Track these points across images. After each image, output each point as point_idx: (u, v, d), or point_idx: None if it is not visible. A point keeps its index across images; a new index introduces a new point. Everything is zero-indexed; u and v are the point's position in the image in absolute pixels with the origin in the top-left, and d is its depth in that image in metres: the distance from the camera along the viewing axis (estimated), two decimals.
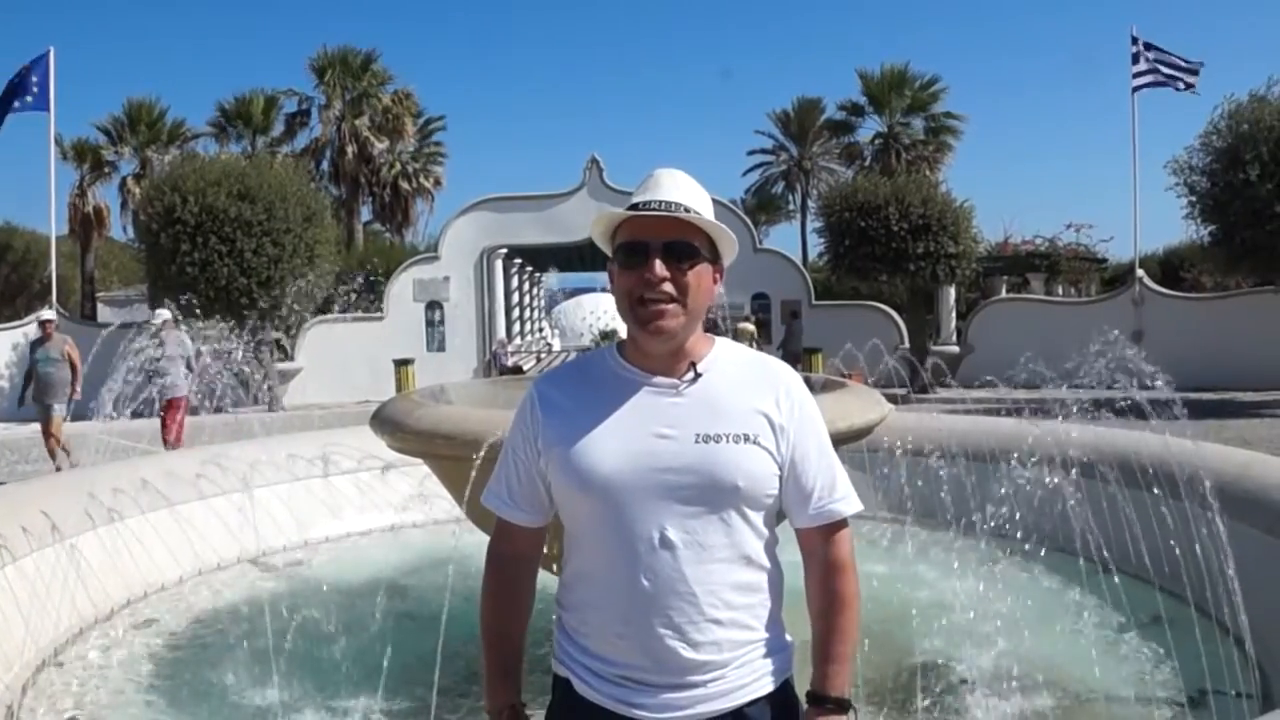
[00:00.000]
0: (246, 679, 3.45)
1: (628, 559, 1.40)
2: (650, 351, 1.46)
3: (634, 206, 1.45)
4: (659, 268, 1.41)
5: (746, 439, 1.42)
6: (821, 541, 1.51)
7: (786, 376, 1.51)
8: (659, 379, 1.46)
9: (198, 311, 14.24)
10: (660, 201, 1.43)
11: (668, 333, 1.42)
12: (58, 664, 3.71)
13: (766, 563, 1.47)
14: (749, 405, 1.45)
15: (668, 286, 1.41)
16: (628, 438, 1.42)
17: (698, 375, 1.47)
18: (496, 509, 1.56)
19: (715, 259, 1.49)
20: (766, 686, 1.45)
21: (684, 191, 1.46)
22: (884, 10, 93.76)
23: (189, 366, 9.20)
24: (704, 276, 1.45)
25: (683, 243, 1.43)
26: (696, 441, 1.41)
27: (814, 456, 1.48)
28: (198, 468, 5.22)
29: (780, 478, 1.46)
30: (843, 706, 1.48)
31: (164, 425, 9.02)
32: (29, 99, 16.73)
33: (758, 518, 1.45)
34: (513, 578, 1.58)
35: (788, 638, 1.52)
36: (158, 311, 10.45)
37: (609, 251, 1.50)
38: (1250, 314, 16.49)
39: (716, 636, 1.40)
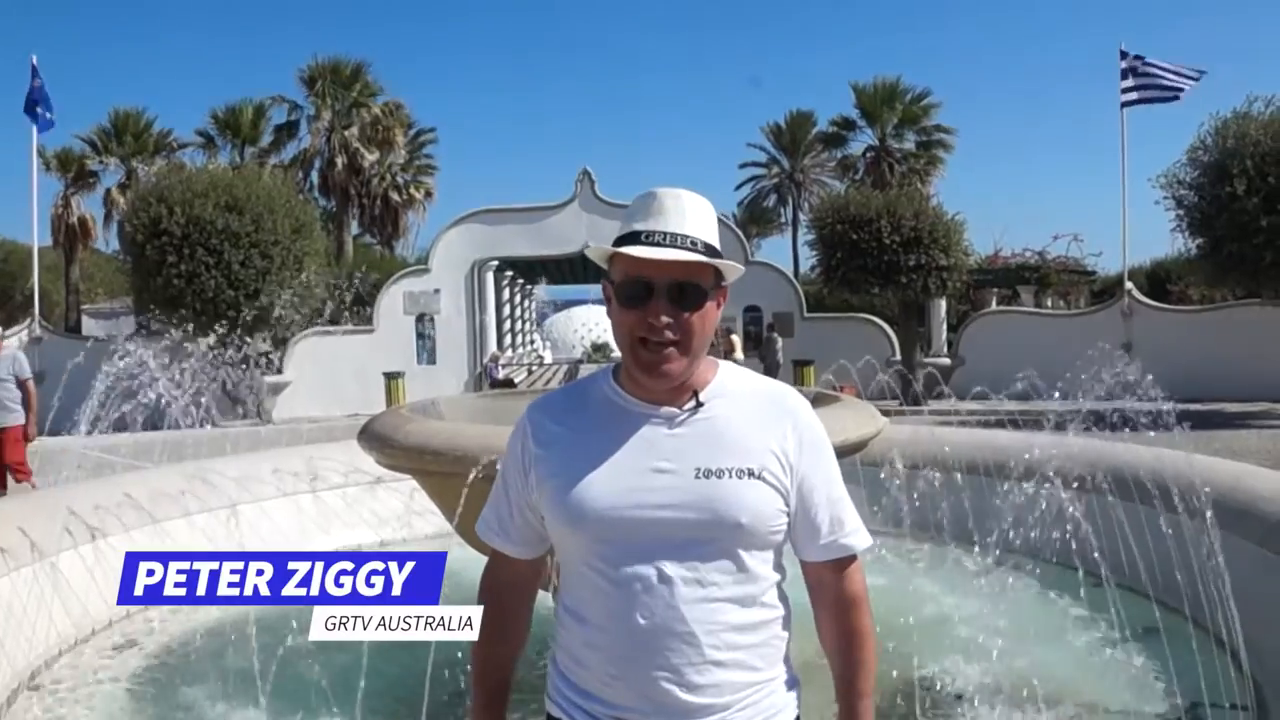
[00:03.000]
0: (230, 700, 3.37)
1: (624, 597, 1.33)
2: (650, 389, 1.38)
3: (634, 234, 1.34)
4: (663, 313, 1.32)
5: (751, 474, 1.34)
6: (832, 576, 1.44)
7: (796, 405, 1.43)
8: (658, 408, 1.38)
9: (188, 327, 14.13)
10: (665, 234, 1.32)
11: (671, 376, 1.35)
12: (34, 687, 3.62)
13: (772, 601, 1.39)
14: (755, 438, 1.37)
15: (669, 332, 1.32)
16: (623, 472, 1.35)
17: (699, 405, 1.38)
18: (490, 540, 1.50)
19: (719, 282, 1.39)
20: None
21: (691, 219, 1.35)
22: (876, 25, 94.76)
23: (23, 389, 7.85)
24: (709, 314, 1.36)
25: (690, 284, 1.33)
26: (697, 476, 1.33)
27: (823, 490, 1.41)
28: (183, 483, 5.13)
29: (788, 514, 1.38)
30: None
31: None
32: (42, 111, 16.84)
33: (763, 555, 1.37)
34: (505, 610, 1.52)
35: (795, 676, 1.45)
36: None
37: (609, 270, 1.41)
38: (1236, 326, 16.61)
39: (717, 679, 1.33)
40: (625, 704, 1.34)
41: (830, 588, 1.45)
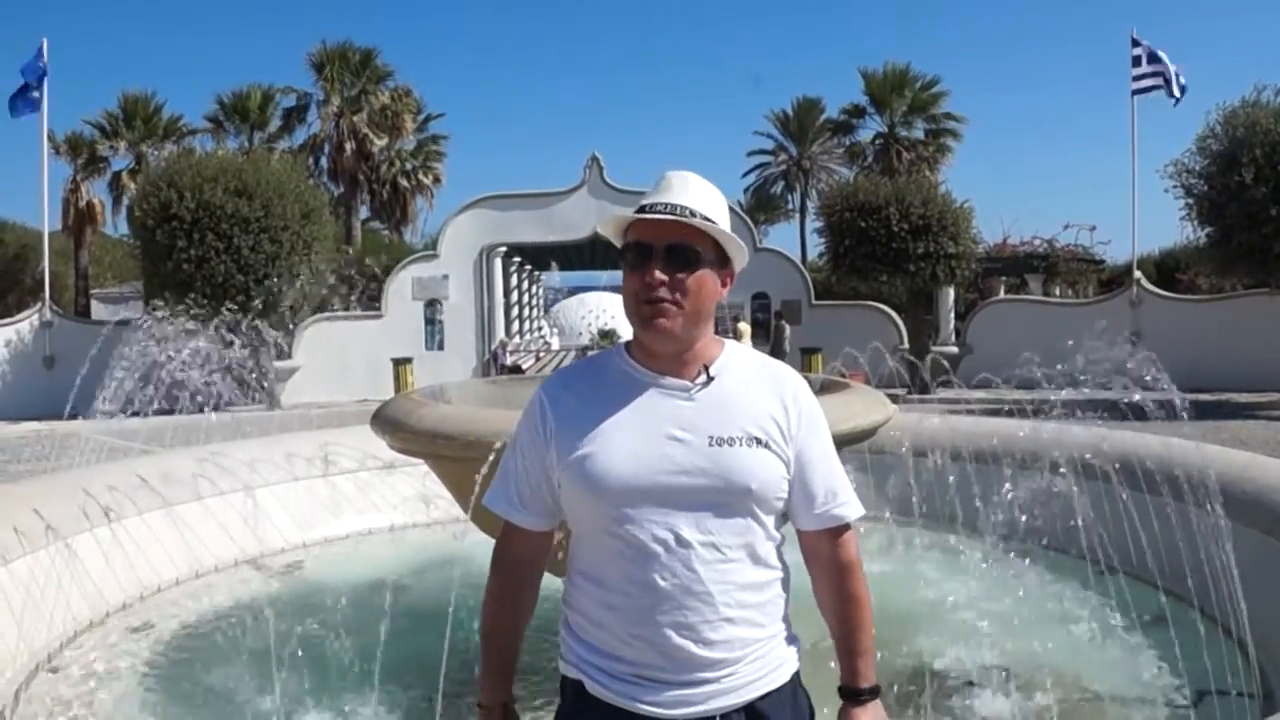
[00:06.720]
0: (245, 683, 3.41)
1: (643, 560, 1.41)
2: (654, 350, 1.47)
3: (642, 209, 1.46)
4: (657, 271, 1.42)
5: (758, 442, 1.44)
6: (829, 544, 1.55)
7: (794, 381, 1.54)
8: (671, 380, 1.47)
9: (193, 312, 14.14)
10: (665, 204, 1.44)
11: (666, 331, 1.44)
12: (52, 669, 3.65)
13: (776, 562, 1.50)
14: (759, 409, 1.47)
15: (664, 290, 1.42)
16: (640, 440, 1.43)
17: (710, 378, 1.47)
18: (503, 513, 1.56)
19: (724, 262, 1.49)
20: (777, 680, 1.48)
21: (693, 195, 1.46)
22: (885, 12, 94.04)
23: None
24: (706, 280, 1.46)
25: (684, 246, 1.44)
26: (710, 445, 1.43)
27: (819, 461, 1.52)
28: (195, 467, 5.18)
29: (789, 480, 1.48)
30: (875, 693, 1.56)
31: None
32: (33, 95, 16.58)
33: (768, 519, 1.48)
34: (518, 582, 1.58)
35: (795, 633, 1.54)
36: None
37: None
38: (1245, 316, 16.52)
39: (729, 635, 1.42)
40: (644, 660, 1.43)
41: (826, 555, 1.55)
